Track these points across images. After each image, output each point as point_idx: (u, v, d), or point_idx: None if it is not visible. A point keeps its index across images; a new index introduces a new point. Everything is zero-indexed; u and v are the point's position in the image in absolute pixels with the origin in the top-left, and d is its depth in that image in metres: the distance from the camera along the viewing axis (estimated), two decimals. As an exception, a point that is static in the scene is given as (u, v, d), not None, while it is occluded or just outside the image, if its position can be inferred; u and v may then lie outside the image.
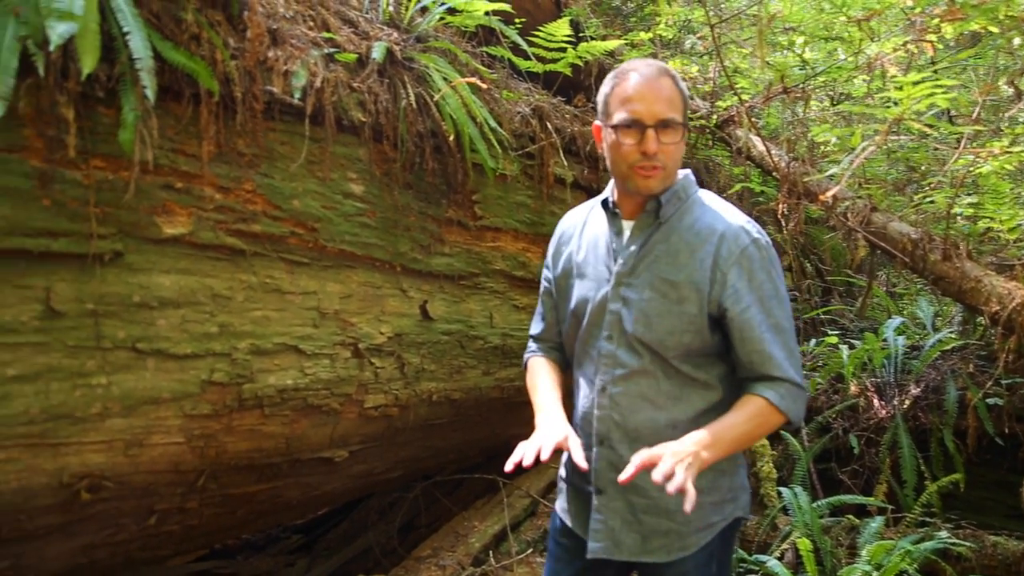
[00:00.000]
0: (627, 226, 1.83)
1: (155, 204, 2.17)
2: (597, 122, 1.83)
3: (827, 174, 4.00)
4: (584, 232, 1.94)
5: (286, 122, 2.58)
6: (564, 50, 3.90)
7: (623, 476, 1.55)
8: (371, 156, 2.88)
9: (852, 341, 4.61)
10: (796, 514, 3.34)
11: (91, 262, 2.01)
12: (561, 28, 3.77)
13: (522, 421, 2.14)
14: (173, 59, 2.13)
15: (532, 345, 2.11)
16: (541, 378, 1.99)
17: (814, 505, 3.40)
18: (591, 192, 4.43)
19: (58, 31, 1.74)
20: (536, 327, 2.12)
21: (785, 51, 5.11)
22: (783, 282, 1.79)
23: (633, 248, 1.79)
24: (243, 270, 2.40)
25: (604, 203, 1.89)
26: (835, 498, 3.51)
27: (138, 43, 1.96)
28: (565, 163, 4.06)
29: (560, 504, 1.99)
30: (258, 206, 2.44)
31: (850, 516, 3.39)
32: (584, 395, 1.87)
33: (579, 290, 1.88)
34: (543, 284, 2.08)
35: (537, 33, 3.78)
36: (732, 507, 1.84)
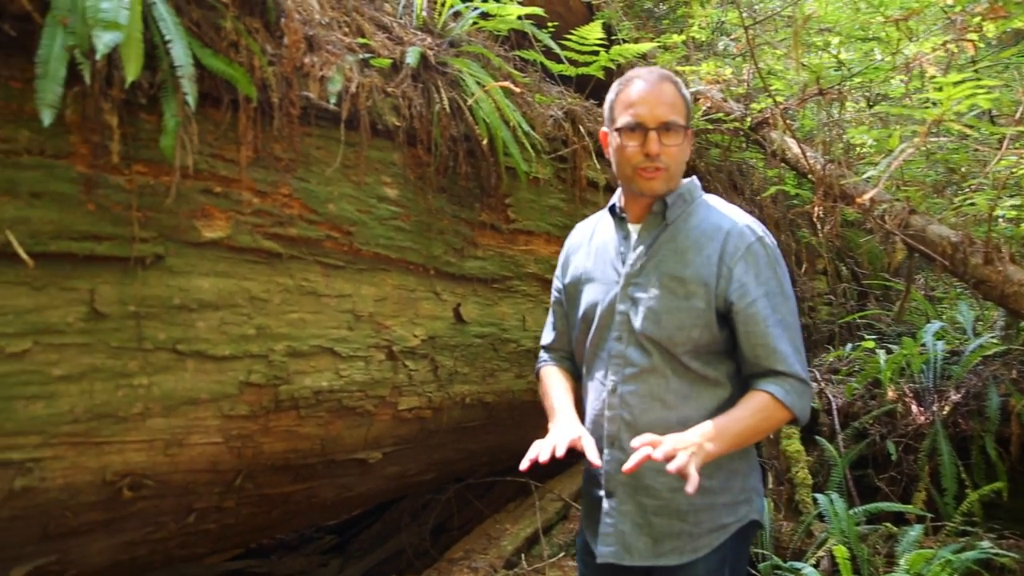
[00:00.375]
0: (634, 229, 1.88)
1: (195, 208, 2.22)
2: (603, 128, 1.89)
3: (864, 176, 3.95)
4: (592, 240, 1.98)
5: (322, 127, 2.61)
6: (597, 53, 3.90)
7: (627, 465, 1.56)
8: (405, 160, 2.91)
9: (889, 346, 4.54)
10: (832, 521, 3.29)
11: (133, 265, 2.05)
12: (593, 31, 3.77)
13: (555, 424, 2.14)
14: (212, 66, 2.17)
15: (543, 355, 2.14)
16: (554, 386, 2.01)
17: (850, 512, 3.35)
18: (624, 195, 4.42)
19: (104, 40, 1.78)
20: (547, 337, 2.14)
21: (820, 52, 5.05)
22: (788, 281, 1.81)
23: (640, 249, 1.84)
24: (280, 273, 2.44)
25: (611, 209, 1.94)
26: (872, 505, 3.46)
27: (179, 51, 2.00)
28: (598, 166, 4.05)
29: (582, 519, 2.01)
30: (294, 210, 2.47)
31: (888, 524, 3.33)
32: (594, 397, 1.89)
33: (588, 295, 1.92)
34: (554, 295, 2.11)
35: (569, 36, 3.78)
36: (746, 509, 1.83)
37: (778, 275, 1.79)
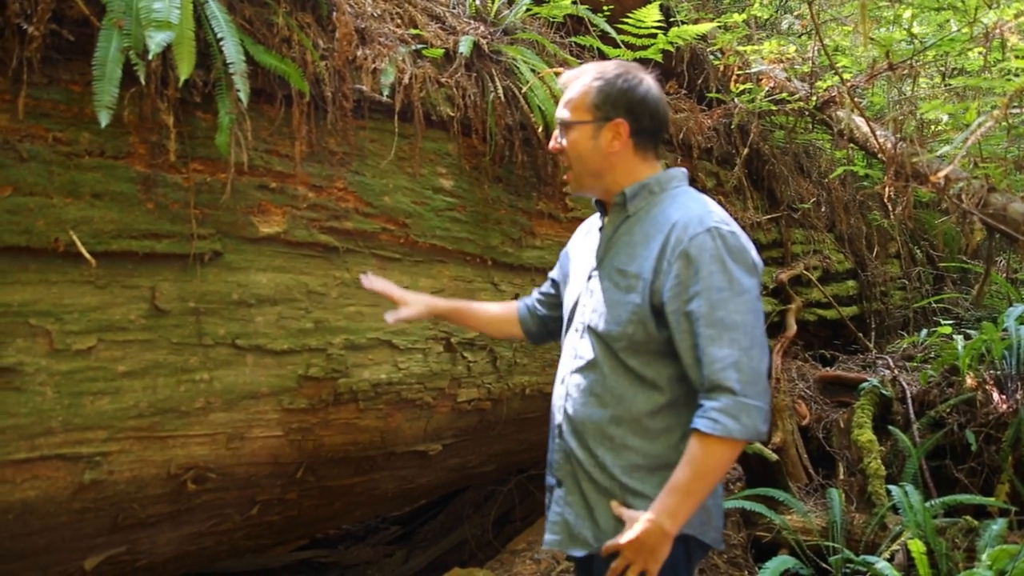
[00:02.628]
0: (605, 222, 1.88)
1: (251, 204, 2.23)
2: None
3: (938, 154, 3.76)
4: (588, 235, 1.98)
5: (375, 120, 2.61)
6: (654, 36, 3.81)
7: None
8: (460, 150, 2.89)
9: (968, 331, 4.34)
10: (907, 513, 3.16)
11: (192, 262, 2.08)
12: (651, 14, 3.68)
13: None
14: (265, 62, 2.18)
15: None
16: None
17: (927, 505, 3.21)
18: (684, 180, 4.32)
19: (156, 40, 1.80)
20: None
21: (891, 26, 4.84)
22: (745, 275, 1.65)
23: (602, 242, 1.84)
24: (336, 267, 2.44)
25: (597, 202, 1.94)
26: (950, 497, 3.31)
27: (231, 48, 2.01)
28: (657, 151, 3.97)
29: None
30: (350, 203, 2.48)
31: (968, 517, 3.18)
32: (555, 386, 1.92)
33: (568, 292, 1.95)
34: (556, 268, 2.13)
35: (626, 20, 3.70)
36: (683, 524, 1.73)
37: (727, 269, 1.63)
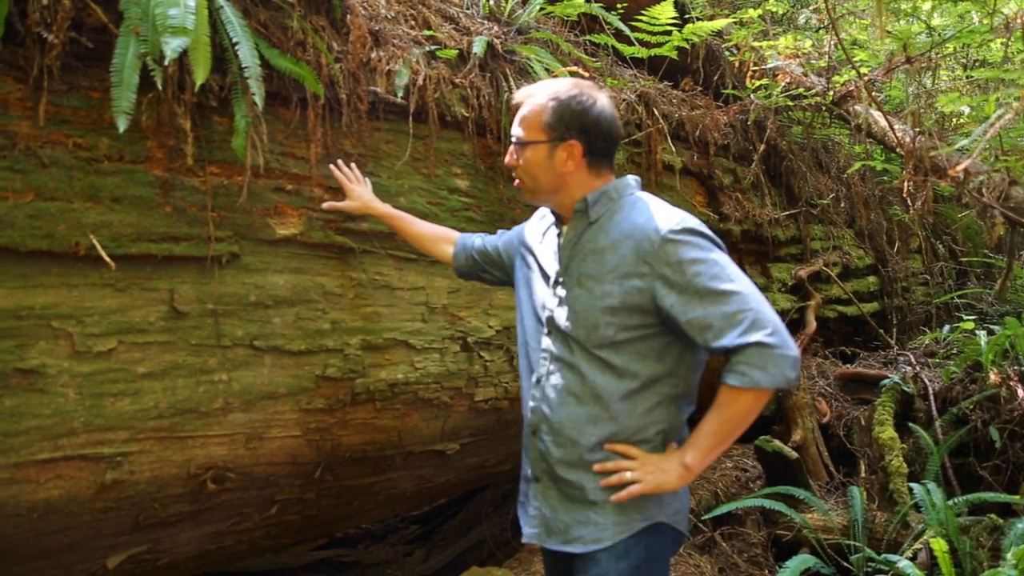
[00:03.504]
0: (565, 229, 1.91)
1: (268, 206, 2.26)
2: None
3: (957, 147, 3.71)
4: (544, 237, 2.01)
5: (390, 121, 2.62)
6: (669, 33, 3.80)
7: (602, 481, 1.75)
8: (475, 151, 2.89)
9: (991, 326, 4.29)
10: (929, 512, 3.13)
11: (210, 264, 2.11)
12: (665, 10, 3.67)
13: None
14: (280, 66, 2.20)
15: None
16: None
17: (950, 503, 3.18)
18: (701, 178, 4.30)
19: (172, 45, 1.82)
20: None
21: (909, 19, 4.79)
22: (710, 250, 1.72)
23: (566, 248, 1.88)
24: (353, 268, 2.46)
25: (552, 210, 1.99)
26: (974, 495, 3.27)
27: (246, 52, 2.03)
28: (673, 149, 3.96)
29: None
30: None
31: (992, 515, 3.14)
32: (524, 388, 1.96)
33: (531, 288, 1.98)
34: (507, 236, 2.20)
35: (640, 17, 3.69)
36: (655, 510, 1.81)
37: (705, 253, 1.71)
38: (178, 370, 2.05)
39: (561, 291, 1.85)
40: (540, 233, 2.03)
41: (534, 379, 1.89)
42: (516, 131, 1.86)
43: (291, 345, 2.27)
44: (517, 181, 1.90)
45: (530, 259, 2.02)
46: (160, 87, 1.89)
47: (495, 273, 2.24)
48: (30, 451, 1.81)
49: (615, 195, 1.86)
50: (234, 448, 2.18)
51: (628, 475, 1.73)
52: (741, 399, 1.67)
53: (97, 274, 1.91)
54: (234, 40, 2.04)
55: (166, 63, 1.84)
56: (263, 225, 2.24)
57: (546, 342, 1.87)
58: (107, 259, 1.89)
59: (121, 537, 2.10)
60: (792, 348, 1.65)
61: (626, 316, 1.74)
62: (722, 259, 1.72)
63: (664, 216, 1.76)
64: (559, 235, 1.92)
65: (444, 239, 2.35)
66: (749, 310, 1.65)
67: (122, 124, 1.80)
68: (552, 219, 2.00)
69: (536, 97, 1.84)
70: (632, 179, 1.91)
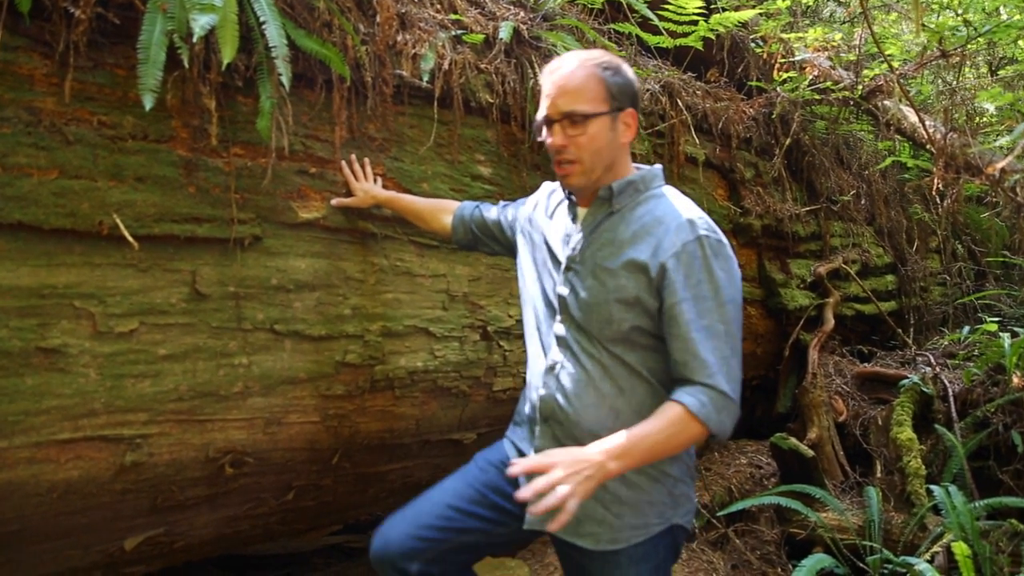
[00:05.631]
0: (582, 213, 1.85)
1: (291, 189, 2.23)
2: None
3: (996, 143, 3.65)
4: (558, 210, 1.95)
5: (415, 105, 2.59)
6: (695, 23, 3.74)
7: (512, 470, 1.60)
8: (499, 137, 2.86)
9: (1014, 328, 4.23)
10: (949, 515, 3.09)
11: (232, 246, 2.08)
12: (691, 1, 3.62)
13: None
14: (306, 46, 2.17)
15: None
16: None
17: (970, 506, 3.13)
18: (723, 171, 4.25)
19: (200, 23, 1.80)
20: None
21: (941, 13, 4.71)
22: (732, 285, 1.69)
23: (581, 235, 1.81)
24: (374, 253, 2.43)
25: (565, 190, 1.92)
26: (995, 499, 3.23)
27: (273, 32, 2.00)
28: (696, 141, 3.91)
29: (512, 437, 2.02)
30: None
31: (1013, 520, 3.10)
32: (532, 371, 1.91)
33: (537, 270, 1.94)
34: (509, 209, 2.16)
35: (666, 7, 3.64)
36: (672, 512, 1.80)
37: (714, 278, 1.67)
38: (199, 353, 2.03)
39: (574, 278, 1.80)
40: (549, 211, 1.97)
41: (546, 365, 1.84)
42: (571, 106, 1.71)
43: (311, 330, 2.25)
44: (567, 166, 1.75)
45: (537, 237, 1.96)
46: (187, 65, 1.86)
47: (494, 246, 2.21)
48: (51, 431, 1.79)
49: (642, 187, 1.81)
50: (253, 432, 2.16)
51: (560, 490, 1.52)
52: (692, 427, 1.62)
53: (120, 254, 1.89)
54: (261, 19, 2.01)
55: (194, 41, 1.81)
56: (286, 208, 2.21)
57: (560, 329, 1.83)
58: (130, 239, 1.87)
59: (139, 519, 2.09)
60: (738, 406, 1.67)
61: (640, 312, 1.71)
62: (723, 291, 1.68)
63: (690, 219, 1.71)
64: (573, 218, 1.86)
65: (443, 210, 2.31)
66: (734, 355, 1.67)
67: (148, 102, 1.77)
68: (562, 197, 1.94)
69: (582, 68, 1.73)
70: (659, 170, 1.86)
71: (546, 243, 1.92)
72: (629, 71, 1.80)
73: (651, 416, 1.66)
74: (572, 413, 1.77)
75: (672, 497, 1.81)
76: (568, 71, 1.74)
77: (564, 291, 1.82)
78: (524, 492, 1.54)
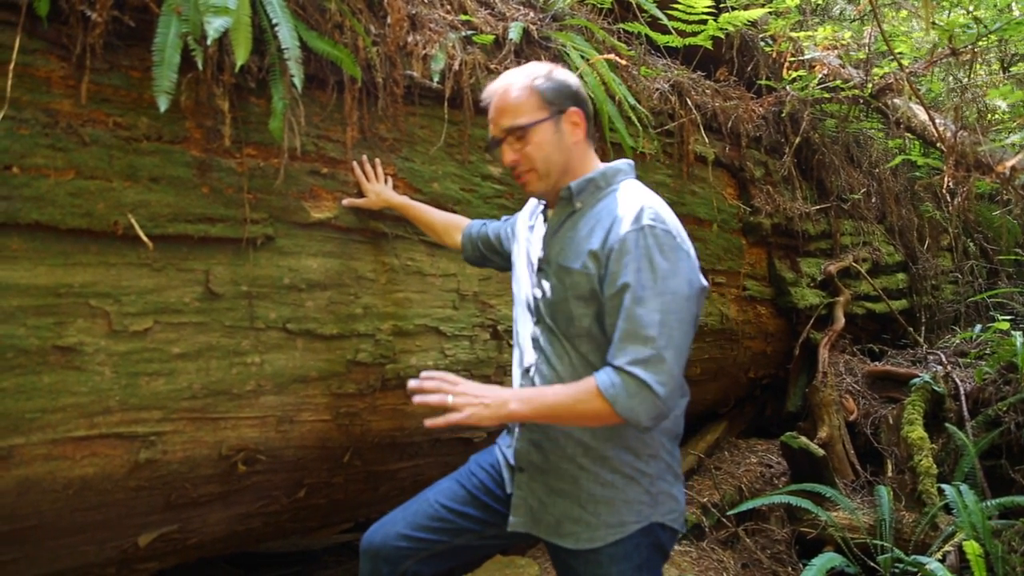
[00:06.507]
0: (550, 215, 1.89)
1: (303, 189, 2.25)
2: None
3: (1007, 141, 3.64)
4: (536, 219, 1.98)
5: (425, 106, 2.60)
6: (704, 22, 3.74)
7: (411, 384, 1.66)
8: (508, 138, 2.86)
9: (1026, 327, 4.21)
10: (961, 514, 3.08)
11: (245, 246, 2.10)
12: (701, 0, 3.62)
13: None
14: (318, 48, 2.19)
15: None
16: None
17: (982, 505, 3.13)
18: (732, 170, 4.25)
19: (214, 25, 1.82)
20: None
21: (952, 10, 4.68)
22: (675, 276, 1.64)
23: (547, 236, 1.86)
24: (385, 253, 2.45)
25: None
26: (1007, 499, 3.22)
27: (286, 34, 2.02)
28: (706, 140, 3.91)
29: (500, 442, 2.04)
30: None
31: (1025, 519, 3.10)
32: (515, 375, 1.96)
33: (520, 274, 1.97)
34: (504, 223, 2.21)
35: (676, 6, 3.64)
36: (651, 511, 1.79)
37: (655, 268, 1.63)
38: (212, 351, 2.05)
39: (544, 280, 1.83)
40: (536, 217, 2.00)
41: (523, 368, 1.89)
42: (511, 122, 1.78)
43: (323, 329, 2.27)
44: (524, 176, 1.81)
45: (523, 243, 2.00)
46: (201, 67, 1.88)
47: (499, 261, 2.23)
48: (67, 428, 1.82)
49: (603, 183, 1.82)
50: (265, 431, 2.18)
51: (450, 399, 1.62)
52: (596, 402, 1.61)
53: (134, 253, 1.91)
54: (274, 21, 2.03)
55: (208, 43, 1.83)
56: (298, 208, 2.23)
57: (535, 331, 1.86)
58: (144, 239, 1.89)
59: (153, 516, 2.11)
60: (668, 407, 1.62)
61: (599, 306, 1.71)
62: (664, 282, 1.63)
63: (638, 209, 1.69)
64: (544, 221, 1.90)
65: (454, 227, 2.34)
66: (669, 345, 1.60)
67: (163, 104, 1.80)
68: (541, 205, 1.97)
69: (514, 86, 1.80)
70: (625, 163, 1.86)
71: (527, 251, 1.96)
72: (563, 73, 1.83)
73: (572, 383, 1.69)
74: None
75: (650, 496, 1.80)
76: (501, 91, 1.81)
77: (537, 293, 1.86)
78: (412, 383, 1.64)
